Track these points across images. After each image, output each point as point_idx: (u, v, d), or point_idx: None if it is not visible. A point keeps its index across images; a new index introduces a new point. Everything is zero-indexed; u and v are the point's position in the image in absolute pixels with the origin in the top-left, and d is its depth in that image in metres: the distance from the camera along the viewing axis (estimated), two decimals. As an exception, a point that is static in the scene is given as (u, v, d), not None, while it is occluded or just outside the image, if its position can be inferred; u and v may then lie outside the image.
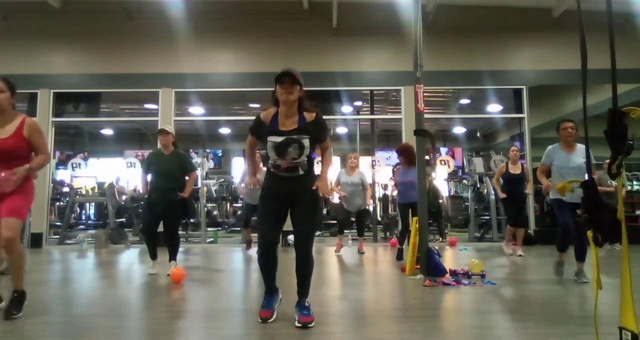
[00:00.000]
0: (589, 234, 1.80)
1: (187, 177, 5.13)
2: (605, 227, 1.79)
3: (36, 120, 3.25)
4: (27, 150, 3.12)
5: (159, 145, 5.33)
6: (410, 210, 5.96)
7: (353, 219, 7.39)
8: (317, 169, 3.20)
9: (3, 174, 2.92)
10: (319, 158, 3.29)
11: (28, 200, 3.15)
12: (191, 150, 12.92)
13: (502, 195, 6.87)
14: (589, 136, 1.92)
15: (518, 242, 6.79)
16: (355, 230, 7.62)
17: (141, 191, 5.37)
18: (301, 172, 2.98)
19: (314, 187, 2.97)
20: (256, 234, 7.62)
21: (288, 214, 3.10)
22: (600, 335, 1.90)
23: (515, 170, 6.76)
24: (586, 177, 4.49)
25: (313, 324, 2.86)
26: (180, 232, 9.38)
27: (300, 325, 2.83)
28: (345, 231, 7.70)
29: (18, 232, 3.03)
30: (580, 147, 4.42)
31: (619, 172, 1.72)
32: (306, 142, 2.89)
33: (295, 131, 2.90)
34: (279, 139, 2.89)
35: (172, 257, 4.97)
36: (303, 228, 3.00)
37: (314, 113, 3.00)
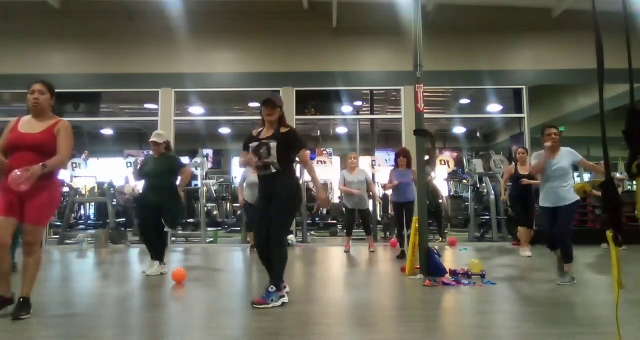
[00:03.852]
0: (609, 234, 1.78)
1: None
2: (622, 227, 1.76)
3: (69, 123, 3.32)
4: (56, 147, 3.19)
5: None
6: (404, 209, 6.32)
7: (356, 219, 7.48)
8: (309, 175, 3.85)
9: (18, 171, 2.90)
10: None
11: (52, 206, 3.27)
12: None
13: (503, 197, 6.97)
14: (593, 136, 1.92)
15: (522, 243, 6.75)
16: (350, 231, 7.61)
17: (127, 188, 5.49)
18: (273, 170, 3.54)
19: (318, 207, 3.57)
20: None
21: None
22: (606, 335, 1.89)
23: (524, 171, 6.73)
24: (587, 178, 4.53)
25: (261, 307, 3.30)
26: (180, 232, 9.45)
27: (251, 304, 3.37)
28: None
29: (39, 238, 3.17)
30: (564, 150, 4.57)
31: (638, 172, 1.70)
32: (273, 144, 3.51)
33: (267, 138, 3.59)
34: (255, 144, 3.60)
35: (155, 257, 5.02)
36: (275, 221, 3.52)
37: (288, 128, 3.69)
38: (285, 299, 3.47)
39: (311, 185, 9.54)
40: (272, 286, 3.43)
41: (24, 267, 3.14)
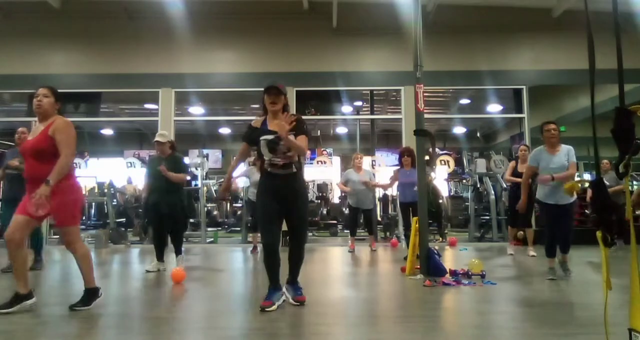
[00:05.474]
0: (598, 234, 1.78)
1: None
2: (614, 227, 1.77)
3: (66, 120, 3.27)
4: (54, 148, 3.15)
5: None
6: (410, 209, 6.23)
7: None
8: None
9: (31, 200, 2.99)
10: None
11: (70, 206, 3.23)
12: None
13: (515, 180, 6.54)
14: (590, 135, 1.92)
15: (530, 243, 6.68)
16: (353, 231, 7.60)
17: (141, 191, 5.63)
18: (294, 170, 3.33)
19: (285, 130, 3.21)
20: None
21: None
22: (603, 335, 1.89)
23: (524, 168, 6.64)
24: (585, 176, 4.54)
25: (304, 302, 3.38)
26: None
27: (297, 303, 3.36)
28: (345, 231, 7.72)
29: (73, 237, 3.24)
30: (564, 148, 4.58)
31: (626, 171, 1.71)
32: (292, 138, 3.24)
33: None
34: (270, 136, 3.28)
35: (178, 252, 5.29)
36: (299, 228, 3.49)
37: (295, 116, 3.39)
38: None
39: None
40: (298, 282, 3.53)
41: (78, 263, 3.31)
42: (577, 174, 4.77)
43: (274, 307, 3.22)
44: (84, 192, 3.96)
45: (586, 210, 8.12)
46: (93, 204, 11.28)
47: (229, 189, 3.71)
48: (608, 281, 1.80)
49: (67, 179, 3.18)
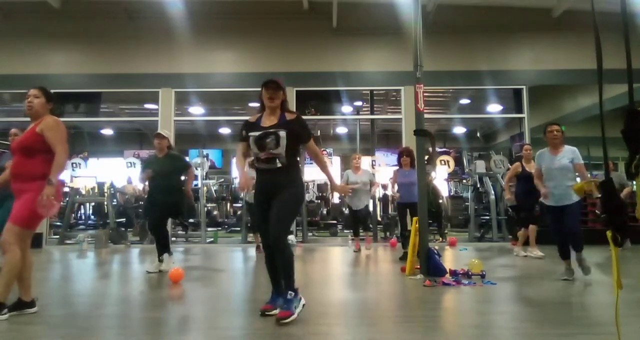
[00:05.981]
0: (608, 234, 1.79)
1: (183, 178, 5.40)
2: (624, 227, 1.77)
3: (55, 118, 3.22)
4: (41, 145, 3.11)
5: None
6: (408, 210, 6.22)
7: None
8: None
9: (39, 201, 2.93)
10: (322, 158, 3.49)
11: (35, 207, 2.98)
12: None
13: (509, 197, 6.64)
14: (593, 136, 1.93)
15: (518, 243, 6.73)
16: (356, 231, 7.61)
17: (140, 191, 5.64)
18: (279, 165, 3.09)
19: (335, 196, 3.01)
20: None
21: None
22: (606, 335, 1.89)
23: (531, 168, 6.49)
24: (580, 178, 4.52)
25: (289, 320, 2.91)
26: (180, 232, 9.48)
27: (276, 321, 2.92)
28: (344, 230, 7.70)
29: (15, 238, 2.99)
30: (567, 149, 4.55)
31: (637, 172, 1.71)
32: (282, 134, 3.07)
33: (273, 126, 3.14)
34: (258, 132, 3.13)
35: (161, 253, 5.15)
36: (275, 223, 3.05)
37: (294, 114, 3.25)
38: (303, 300, 3.15)
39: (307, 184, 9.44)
40: (289, 292, 3.05)
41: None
42: (577, 174, 4.72)
43: (275, 311, 3.07)
44: (62, 198, 3.78)
45: (596, 211, 8.10)
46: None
47: (248, 183, 3.18)
48: (619, 281, 1.80)
49: (42, 179, 3.00)
